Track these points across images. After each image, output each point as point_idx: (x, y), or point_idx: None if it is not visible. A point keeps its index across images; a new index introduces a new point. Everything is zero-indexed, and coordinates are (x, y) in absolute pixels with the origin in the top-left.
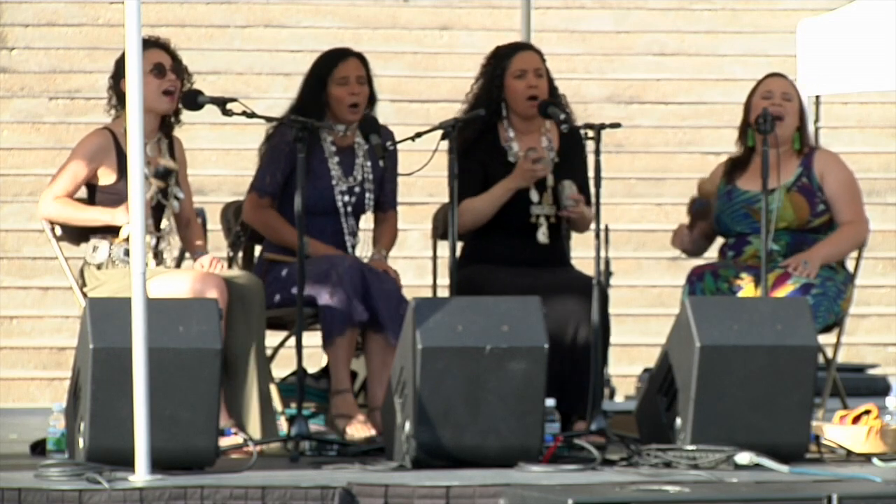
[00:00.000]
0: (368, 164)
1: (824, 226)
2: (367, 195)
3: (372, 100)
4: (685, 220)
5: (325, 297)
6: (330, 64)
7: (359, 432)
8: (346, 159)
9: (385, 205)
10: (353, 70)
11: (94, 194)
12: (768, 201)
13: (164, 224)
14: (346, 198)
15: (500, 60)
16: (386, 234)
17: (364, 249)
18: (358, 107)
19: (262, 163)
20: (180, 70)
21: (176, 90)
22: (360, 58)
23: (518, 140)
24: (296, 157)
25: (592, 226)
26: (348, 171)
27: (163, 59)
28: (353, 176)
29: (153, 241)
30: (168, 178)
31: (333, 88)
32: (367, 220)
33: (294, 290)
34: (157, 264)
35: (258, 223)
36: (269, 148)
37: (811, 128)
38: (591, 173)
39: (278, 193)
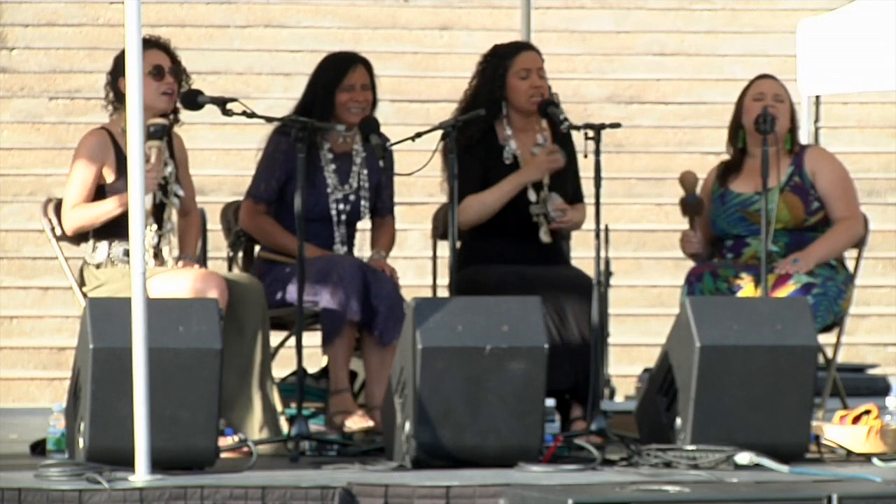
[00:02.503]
0: (365, 171)
1: (821, 223)
2: (363, 203)
3: (373, 104)
4: (682, 221)
5: (325, 299)
6: (338, 72)
7: (357, 424)
8: (342, 166)
9: (383, 210)
10: (360, 78)
11: (97, 195)
12: (765, 202)
13: (165, 222)
14: (341, 206)
15: (501, 59)
16: (384, 237)
17: (362, 250)
18: (361, 112)
19: (257, 170)
20: (178, 72)
21: (174, 92)
22: (366, 65)
23: (515, 138)
24: (290, 164)
25: (592, 226)
26: (344, 178)
27: (162, 60)
28: (348, 184)
29: (154, 240)
30: (162, 136)
31: (339, 95)
32: (363, 224)
33: (295, 290)
34: (157, 263)
35: (254, 229)
36: (263, 156)
37: (811, 128)
38: (588, 172)
39: (274, 200)
